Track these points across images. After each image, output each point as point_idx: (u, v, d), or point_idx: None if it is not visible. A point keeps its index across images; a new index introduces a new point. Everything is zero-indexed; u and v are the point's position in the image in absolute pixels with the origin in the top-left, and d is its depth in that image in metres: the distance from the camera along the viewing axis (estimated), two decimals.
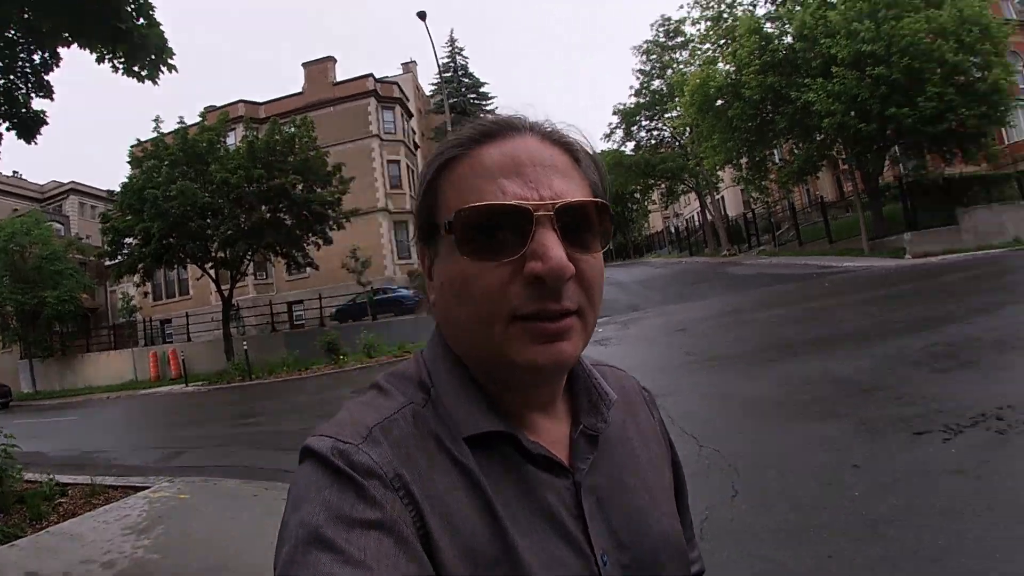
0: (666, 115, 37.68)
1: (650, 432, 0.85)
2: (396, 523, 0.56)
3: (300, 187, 20.99)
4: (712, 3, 28.64)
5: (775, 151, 27.66)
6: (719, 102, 23.99)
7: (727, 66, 24.42)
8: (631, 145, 40.43)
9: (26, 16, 6.25)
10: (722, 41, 26.89)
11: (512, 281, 0.61)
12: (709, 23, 28.55)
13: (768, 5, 26.65)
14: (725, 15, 27.66)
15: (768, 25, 23.40)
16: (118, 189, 22.06)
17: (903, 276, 14.84)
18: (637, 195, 48.05)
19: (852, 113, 18.65)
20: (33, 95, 6.98)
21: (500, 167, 0.64)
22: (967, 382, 5.66)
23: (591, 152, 0.72)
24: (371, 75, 33.68)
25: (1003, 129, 24.77)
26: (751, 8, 26.72)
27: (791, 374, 7.13)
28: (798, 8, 21.25)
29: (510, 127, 0.67)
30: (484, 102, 47.11)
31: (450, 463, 0.63)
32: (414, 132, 39.26)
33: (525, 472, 0.66)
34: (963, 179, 23.08)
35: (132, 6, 6.21)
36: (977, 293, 11.17)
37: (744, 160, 25.80)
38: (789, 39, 21.83)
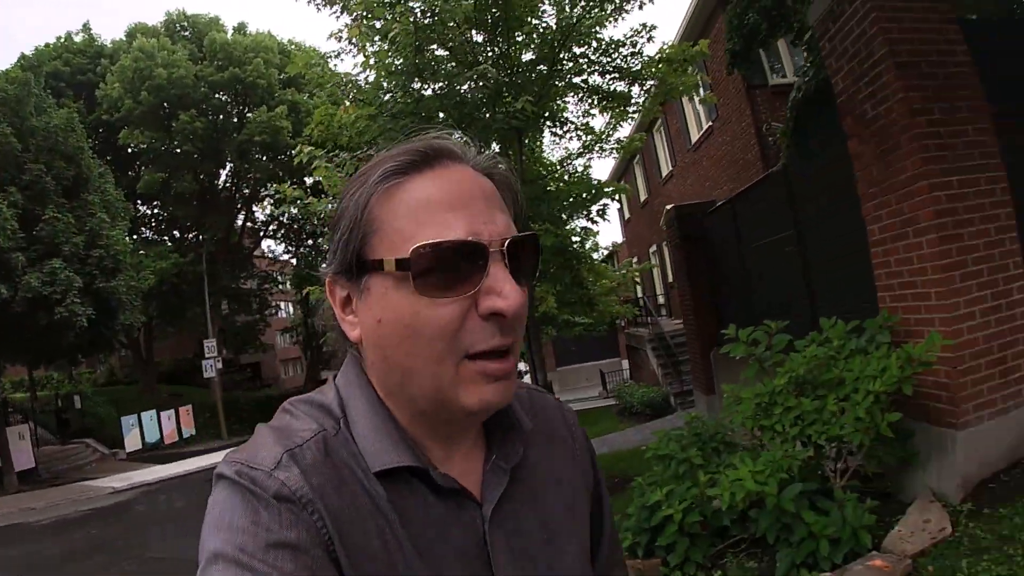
0: None
1: (569, 462, 0.83)
2: (310, 544, 0.57)
3: None
4: None
5: None
6: None
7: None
8: None
9: None
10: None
11: (467, 318, 0.61)
12: None
13: None
14: None
15: None
16: None
17: None
18: None
19: None
20: None
21: (446, 200, 0.62)
22: None
23: (514, 182, 0.72)
24: None
25: None
26: None
27: None
28: None
29: (448, 155, 0.66)
30: None
31: (361, 493, 0.63)
32: None
33: (434, 505, 0.66)
34: None
35: None
36: None
37: None
38: None
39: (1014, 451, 3.67)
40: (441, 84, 5.59)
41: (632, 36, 6.07)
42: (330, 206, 6.76)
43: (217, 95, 22.33)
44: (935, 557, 3.11)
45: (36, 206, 13.75)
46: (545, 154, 8.89)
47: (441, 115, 5.64)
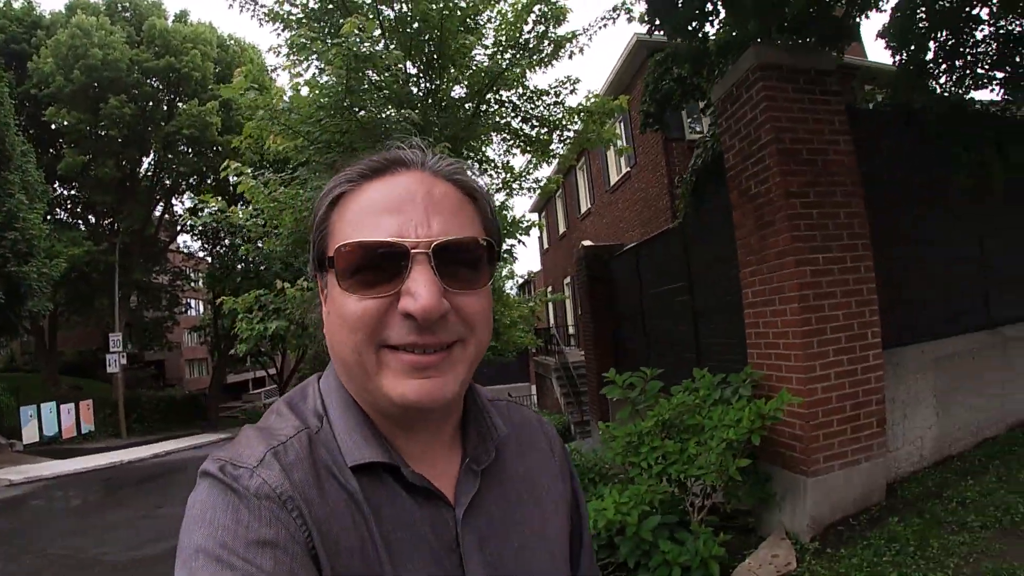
0: None
1: (547, 472, 0.86)
2: (290, 542, 0.59)
3: None
4: None
5: None
6: None
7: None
8: None
9: None
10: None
11: (388, 314, 0.64)
12: None
13: None
14: None
15: None
16: None
17: None
18: None
19: None
20: None
21: (384, 204, 0.66)
22: None
23: (482, 189, 0.74)
24: None
25: None
26: None
27: None
28: None
29: (400, 164, 0.70)
30: None
31: (339, 489, 0.65)
32: None
33: (406, 503, 0.68)
34: None
35: None
36: None
37: None
38: None
39: (865, 498, 4.15)
40: (368, 113, 5.72)
41: (556, 86, 6.47)
42: (251, 219, 6.75)
43: (150, 82, 21.36)
44: None
45: None
46: None
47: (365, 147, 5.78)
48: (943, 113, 5.21)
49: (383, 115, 5.58)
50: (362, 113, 5.61)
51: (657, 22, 4.85)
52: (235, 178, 6.32)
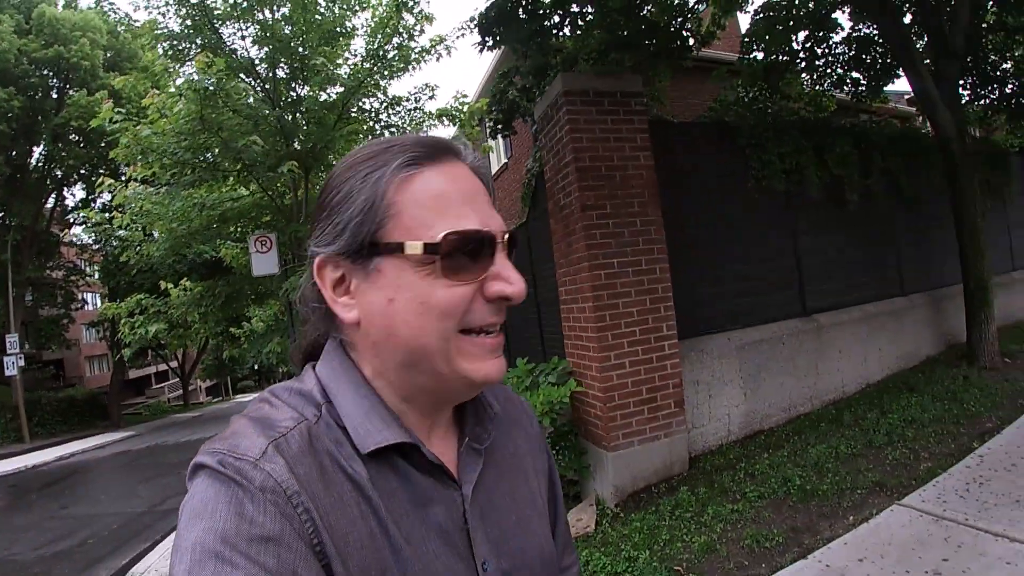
0: None
1: (530, 448, 0.89)
2: (295, 539, 0.58)
3: None
4: None
5: None
6: None
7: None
8: None
9: None
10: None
11: (474, 299, 0.67)
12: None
13: None
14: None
15: None
16: None
17: None
18: None
19: None
20: None
21: (459, 194, 0.68)
22: None
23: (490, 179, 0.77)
24: None
25: None
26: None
27: None
28: None
29: (452, 152, 0.71)
30: None
31: (344, 480, 0.65)
32: None
33: (418, 485, 0.69)
34: None
35: None
36: None
37: None
38: None
39: (667, 469, 4.75)
40: (225, 136, 6.15)
41: (416, 92, 6.98)
42: (127, 226, 7.13)
43: (39, 72, 20.50)
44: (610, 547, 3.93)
45: None
46: None
47: (226, 164, 6.28)
48: (755, 125, 5.86)
49: (238, 143, 6.05)
50: (225, 134, 6.03)
51: (490, 42, 5.30)
52: (108, 194, 6.69)
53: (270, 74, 6.75)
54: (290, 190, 8.23)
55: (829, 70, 8.31)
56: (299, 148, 6.82)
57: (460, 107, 7.14)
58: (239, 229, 9.61)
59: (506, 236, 0.70)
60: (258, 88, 6.89)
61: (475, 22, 5.45)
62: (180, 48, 6.25)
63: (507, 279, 0.68)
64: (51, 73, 20.99)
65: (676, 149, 5.28)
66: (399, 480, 0.68)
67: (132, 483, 11.07)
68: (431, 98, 6.96)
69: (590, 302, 4.47)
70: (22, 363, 20.78)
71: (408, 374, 0.70)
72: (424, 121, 7.12)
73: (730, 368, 5.37)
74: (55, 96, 21.40)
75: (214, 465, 0.60)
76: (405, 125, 7.02)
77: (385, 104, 6.86)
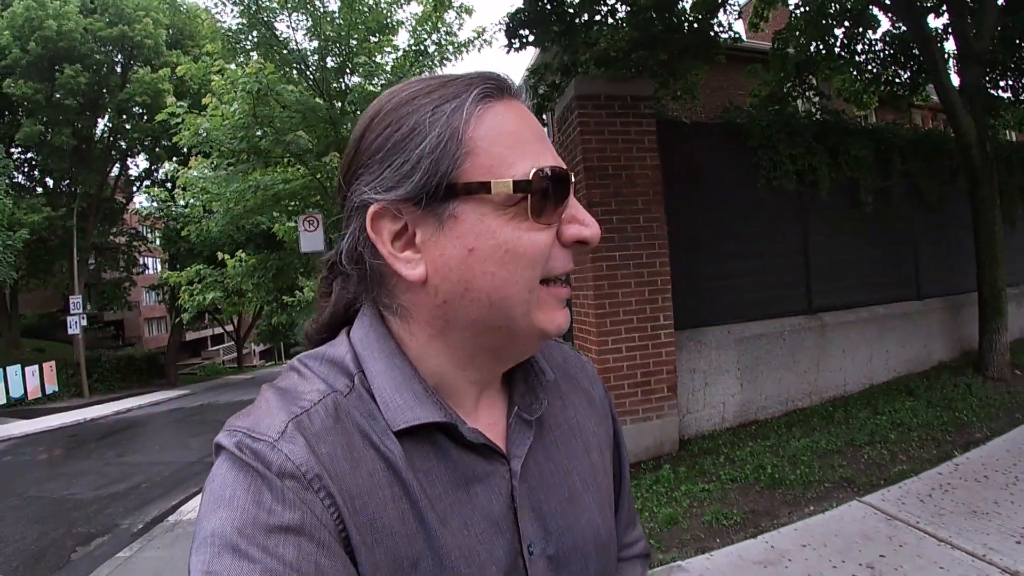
0: None
1: (591, 411, 0.81)
2: (316, 527, 0.54)
3: None
4: None
5: None
6: None
7: None
8: None
9: None
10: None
11: (553, 244, 0.62)
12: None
13: None
14: None
15: None
16: None
17: None
18: None
19: None
20: None
21: (530, 133, 0.63)
22: None
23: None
24: None
25: None
26: None
27: None
28: None
29: (512, 91, 0.65)
30: None
31: (375, 459, 0.60)
32: None
33: (459, 462, 0.64)
34: None
35: None
36: None
37: None
38: None
39: (658, 448, 5.15)
40: (276, 127, 6.90)
41: None
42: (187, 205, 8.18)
43: (104, 50, 21.81)
44: None
45: None
46: None
47: (278, 151, 7.11)
48: (767, 125, 6.07)
49: (287, 136, 6.79)
50: (275, 125, 6.75)
51: (517, 44, 5.68)
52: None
53: (320, 65, 7.40)
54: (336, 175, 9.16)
55: (870, 66, 8.31)
56: (346, 136, 7.59)
57: None
58: (292, 206, 10.66)
59: (573, 177, 0.65)
60: (309, 78, 7.59)
61: (504, 24, 5.81)
62: (236, 44, 7.00)
63: (583, 221, 0.63)
64: (115, 50, 22.31)
65: (687, 149, 5.59)
66: (438, 457, 0.63)
67: (184, 436, 12.02)
68: None
69: (591, 291, 4.88)
70: (84, 323, 22.26)
71: (476, 334, 0.64)
72: None
73: (728, 359, 5.70)
74: (119, 72, 22.72)
75: (232, 448, 0.56)
76: None
77: None
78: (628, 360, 4.97)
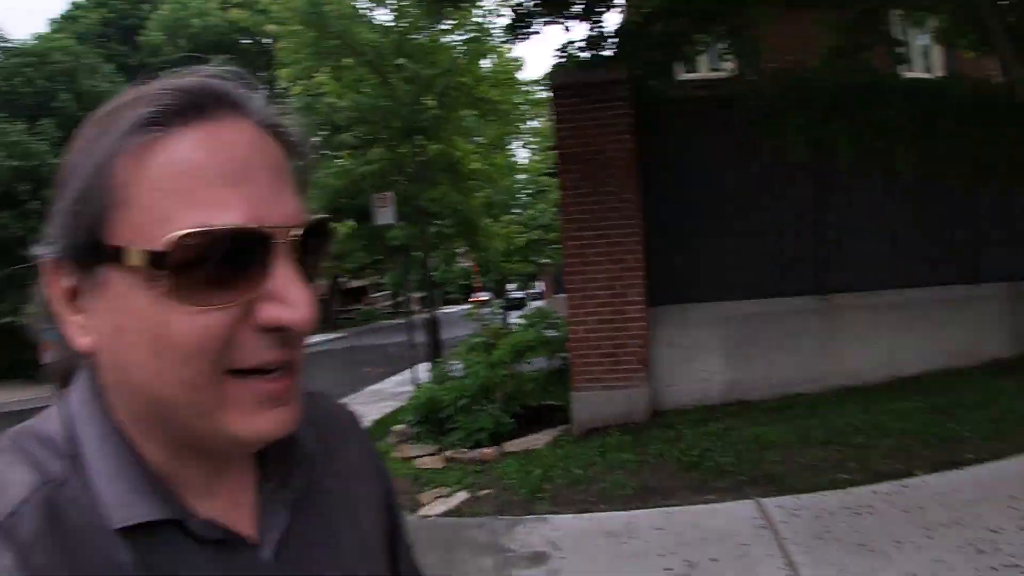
0: None
1: (361, 478, 0.69)
2: None
3: None
4: None
5: None
6: None
7: None
8: None
9: None
10: None
11: (239, 328, 0.46)
12: None
13: None
14: None
15: None
16: None
17: None
18: None
19: None
20: None
21: (219, 169, 0.45)
22: None
23: (305, 139, 0.55)
24: None
25: None
26: None
27: None
28: None
29: (225, 102, 0.48)
30: None
31: (100, 565, 0.46)
32: None
33: (200, 559, 0.50)
34: None
35: None
36: None
37: None
38: None
39: (626, 415, 5.46)
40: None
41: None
42: None
43: (247, 40, 24.45)
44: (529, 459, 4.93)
45: None
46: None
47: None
48: (774, 93, 5.64)
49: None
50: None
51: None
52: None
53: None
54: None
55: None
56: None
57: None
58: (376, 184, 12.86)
59: (296, 234, 0.47)
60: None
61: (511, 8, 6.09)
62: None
63: (284, 299, 0.46)
64: (258, 39, 24.71)
65: (672, 127, 5.73)
66: (174, 555, 0.49)
67: (327, 373, 13.15)
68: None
69: (566, 266, 5.41)
70: None
71: (160, 427, 0.49)
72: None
73: (711, 337, 5.84)
74: (263, 61, 25.67)
75: None
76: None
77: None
78: (596, 332, 5.40)
